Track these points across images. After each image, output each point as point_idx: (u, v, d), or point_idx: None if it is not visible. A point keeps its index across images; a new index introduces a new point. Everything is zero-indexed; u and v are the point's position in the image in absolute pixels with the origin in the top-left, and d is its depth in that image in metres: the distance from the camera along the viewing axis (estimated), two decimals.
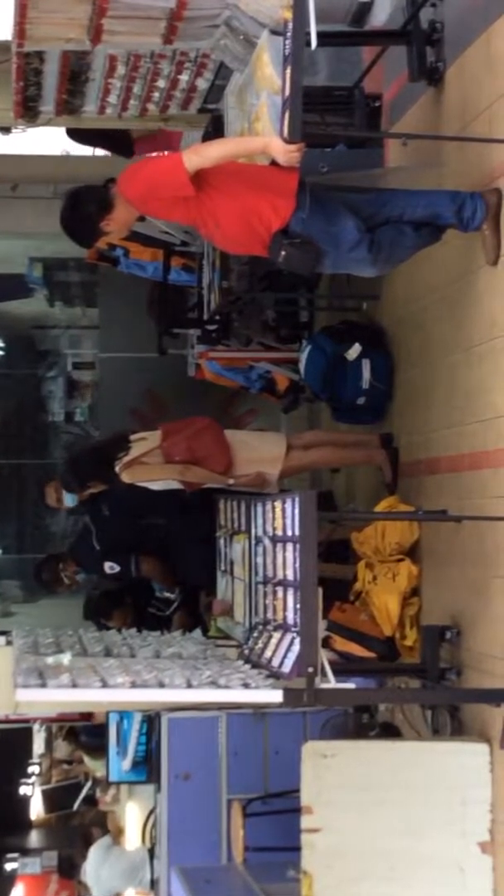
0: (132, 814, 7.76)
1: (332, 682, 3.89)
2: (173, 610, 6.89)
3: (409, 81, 5.44)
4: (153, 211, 4.76)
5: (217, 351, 7.91)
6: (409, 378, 5.94)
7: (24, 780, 11.39)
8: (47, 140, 10.23)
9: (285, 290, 7.44)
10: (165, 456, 5.97)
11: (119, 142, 7.33)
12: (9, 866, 10.59)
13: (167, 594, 6.87)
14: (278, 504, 4.38)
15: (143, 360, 9.41)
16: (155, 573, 6.86)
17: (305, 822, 4.62)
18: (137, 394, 9.40)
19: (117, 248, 8.06)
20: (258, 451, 6.03)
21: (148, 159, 4.57)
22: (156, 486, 6.03)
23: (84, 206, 4.67)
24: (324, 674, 3.90)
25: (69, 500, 7.13)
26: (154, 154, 4.64)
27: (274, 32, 4.58)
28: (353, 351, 6.22)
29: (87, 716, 8.38)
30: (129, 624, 6.94)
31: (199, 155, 4.38)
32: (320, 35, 4.28)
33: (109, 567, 6.70)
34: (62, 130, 7.57)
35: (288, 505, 4.23)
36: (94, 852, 7.76)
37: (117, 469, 5.99)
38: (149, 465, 5.98)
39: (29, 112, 5.92)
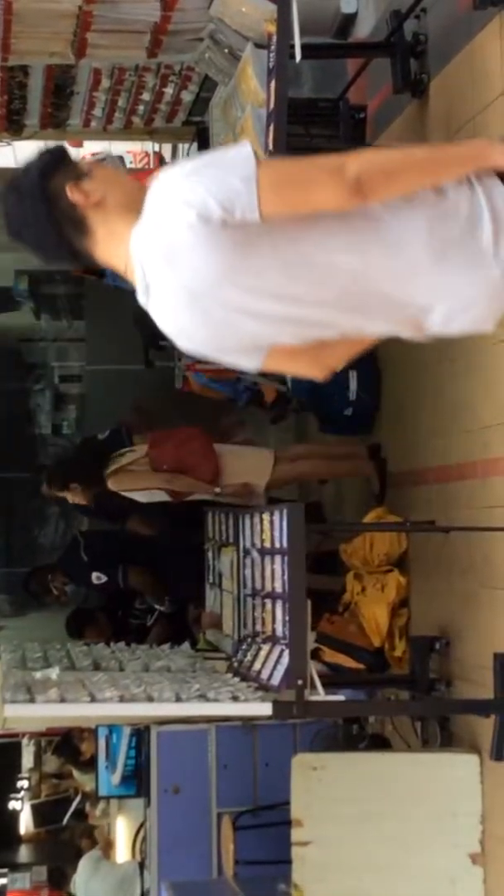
0: (122, 828, 7.72)
1: (321, 695, 3.89)
2: (154, 621, 6.87)
3: (393, 93, 5.45)
4: None
5: (204, 363, 7.90)
6: (397, 389, 5.94)
7: (13, 795, 11.33)
8: (32, 153, 10.24)
9: None
10: (153, 464, 5.97)
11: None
12: None
13: (157, 606, 6.85)
14: (266, 516, 4.38)
15: (129, 373, 9.39)
16: (143, 585, 6.84)
17: (296, 835, 4.60)
18: (125, 406, 9.38)
19: None
20: (246, 462, 6.02)
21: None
22: (141, 497, 6.01)
23: None
24: (313, 686, 3.89)
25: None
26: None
27: (258, 46, 4.59)
28: None
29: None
30: (107, 638, 6.94)
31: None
32: (304, 47, 4.30)
33: (97, 577, 6.68)
34: (47, 143, 7.57)
35: (276, 517, 4.22)
36: (84, 865, 7.72)
37: (105, 475, 5.98)
38: (136, 473, 5.97)
39: (14, 125, 5.93)
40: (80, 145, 11.24)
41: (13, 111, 5.74)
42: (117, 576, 6.70)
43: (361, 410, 6.28)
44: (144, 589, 6.89)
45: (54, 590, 6.96)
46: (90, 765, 7.34)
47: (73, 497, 6.43)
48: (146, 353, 8.35)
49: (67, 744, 8.34)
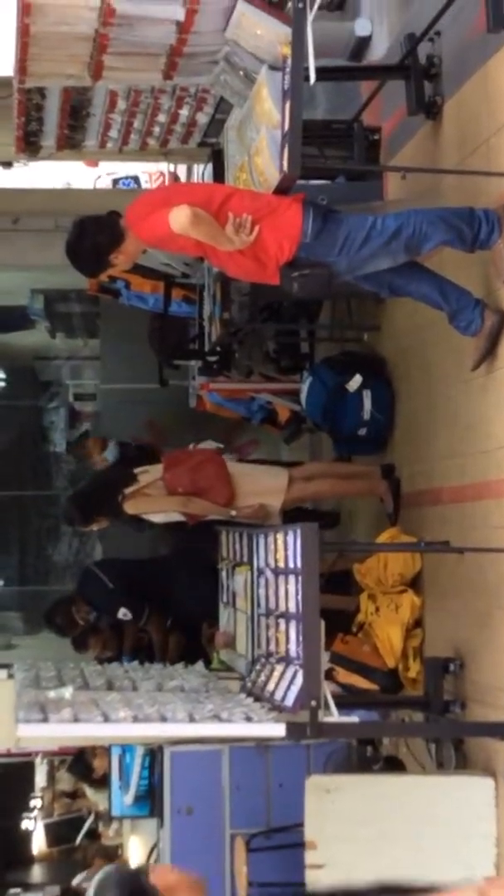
0: (135, 848, 7.70)
1: (335, 716, 3.87)
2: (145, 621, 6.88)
3: (407, 115, 5.47)
4: (165, 249, 4.76)
5: (218, 382, 7.92)
6: (411, 408, 5.94)
7: (26, 814, 11.31)
8: (48, 173, 10.31)
9: (286, 321, 7.46)
10: (168, 487, 5.97)
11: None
12: None
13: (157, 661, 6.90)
14: (280, 536, 4.38)
15: (144, 392, 9.42)
16: (158, 636, 6.88)
17: (309, 857, 4.58)
18: (139, 424, 9.41)
19: (118, 281, 8.10)
20: (260, 482, 6.03)
21: (159, 202, 4.52)
22: (157, 518, 6.03)
23: (93, 236, 4.66)
24: (327, 707, 3.88)
25: (111, 453, 7.10)
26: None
27: (273, 68, 4.61)
28: (354, 382, 6.23)
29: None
30: (111, 646, 6.95)
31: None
32: (319, 70, 4.31)
33: (123, 613, 6.72)
34: (63, 164, 7.62)
35: (290, 537, 4.22)
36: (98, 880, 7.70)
37: (121, 500, 5.99)
38: (151, 497, 5.98)
39: (30, 147, 5.96)
40: (95, 165, 11.32)
41: (30, 132, 5.77)
42: (142, 616, 6.75)
43: (375, 430, 6.28)
44: (157, 639, 6.91)
45: (80, 621, 6.97)
46: (103, 783, 7.33)
47: (99, 526, 6.45)
48: (160, 371, 8.39)
49: (80, 761, 8.33)
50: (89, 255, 4.70)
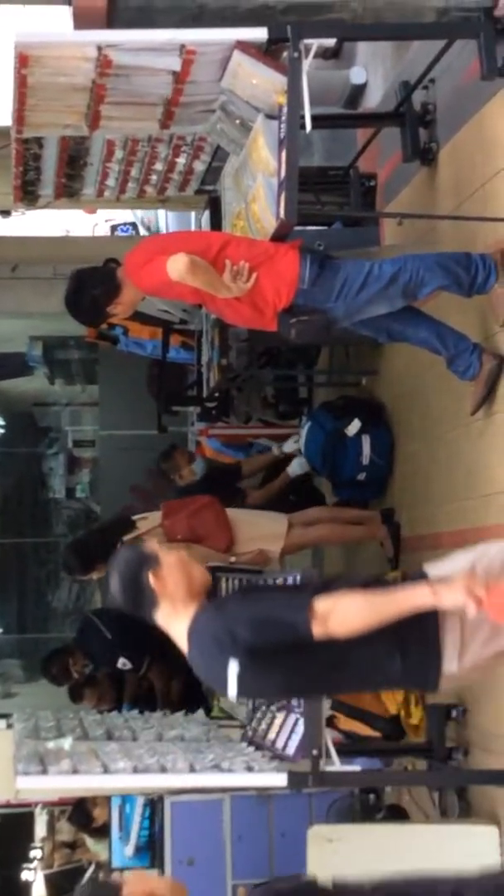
0: None
1: (336, 765, 3.84)
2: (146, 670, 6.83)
3: (403, 161, 5.51)
4: (163, 296, 4.78)
5: (217, 428, 7.93)
6: (410, 453, 5.94)
7: (25, 865, 11.17)
8: (47, 221, 10.37)
9: (284, 367, 7.48)
10: (167, 534, 5.94)
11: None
12: None
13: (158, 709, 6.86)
14: (280, 581, 4.35)
15: (143, 438, 9.43)
16: (160, 683, 6.83)
17: None
18: (138, 470, 9.40)
19: (116, 327, 8.12)
20: (259, 528, 6.00)
21: (156, 250, 4.55)
22: None
23: (90, 288, 4.68)
24: (328, 755, 3.85)
25: (199, 468, 7.09)
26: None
27: (269, 116, 4.64)
28: (353, 427, 6.22)
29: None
30: (107, 699, 6.89)
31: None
32: (315, 117, 4.35)
33: (123, 663, 6.68)
34: (61, 212, 7.65)
35: (289, 582, 4.20)
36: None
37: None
38: (150, 544, 5.95)
39: (28, 196, 5.98)
40: (93, 212, 11.38)
41: (28, 182, 5.80)
42: (142, 666, 6.71)
43: (375, 475, 6.27)
44: (159, 687, 6.86)
45: (75, 673, 6.93)
46: (103, 833, 7.24)
47: (98, 574, 6.43)
48: (159, 418, 8.39)
49: (80, 809, 8.24)
50: (88, 307, 4.72)
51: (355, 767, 4.01)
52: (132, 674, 6.88)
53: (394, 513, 6.05)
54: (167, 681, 6.87)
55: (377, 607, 2.98)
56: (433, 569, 3.19)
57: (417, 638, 3.11)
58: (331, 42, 4.50)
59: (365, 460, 6.24)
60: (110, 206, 6.59)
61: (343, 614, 2.97)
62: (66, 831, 10.71)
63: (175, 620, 3.15)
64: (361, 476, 6.32)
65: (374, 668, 3.16)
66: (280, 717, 4.27)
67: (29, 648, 11.96)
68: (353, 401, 6.61)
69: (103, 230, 12.16)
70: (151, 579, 3.14)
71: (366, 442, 6.23)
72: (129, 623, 6.82)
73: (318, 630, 2.98)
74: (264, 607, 3.12)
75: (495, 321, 4.56)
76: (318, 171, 6.25)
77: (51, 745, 4.22)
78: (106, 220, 12.25)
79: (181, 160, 5.67)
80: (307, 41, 4.28)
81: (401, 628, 3.01)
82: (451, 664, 3.12)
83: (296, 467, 6.76)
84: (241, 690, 3.09)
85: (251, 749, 4.28)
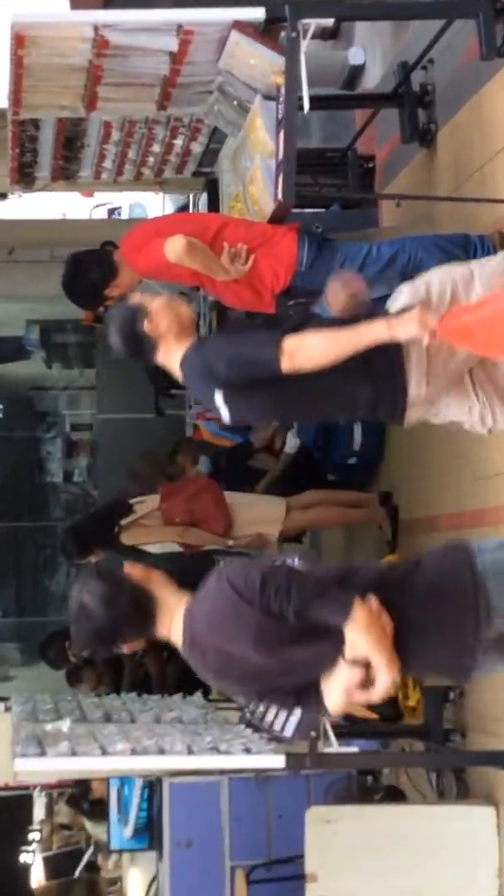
0: (134, 881, 7.63)
1: (334, 746, 3.84)
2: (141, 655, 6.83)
3: (401, 143, 5.49)
4: (161, 279, 4.78)
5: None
6: (408, 436, 5.92)
7: (24, 848, 11.20)
8: (44, 204, 10.34)
9: None
10: (165, 517, 5.94)
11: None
12: None
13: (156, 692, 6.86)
14: (278, 563, 4.35)
15: (140, 421, 9.41)
16: (155, 674, 6.83)
17: (310, 889, 4.54)
18: (135, 454, 9.40)
19: None
20: (257, 511, 6.00)
21: (153, 232, 4.53)
22: (154, 548, 5.99)
23: (87, 272, 4.67)
24: (326, 737, 3.85)
25: (204, 466, 7.09)
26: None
27: (266, 97, 4.62)
28: None
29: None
30: (105, 682, 6.89)
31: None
32: (313, 98, 4.32)
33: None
34: (58, 195, 7.62)
35: (289, 563, 4.19)
36: None
37: (118, 532, 5.96)
38: (148, 527, 5.95)
39: (25, 178, 5.96)
40: (90, 195, 11.35)
41: (24, 164, 5.78)
42: (137, 650, 6.69)
43: (365, 460, 6.29)
44: (155, 676, 6.86)
45: (72, 657, 6.92)
46: (102, 815, 7.26)
47: (96, 558, 6.42)
48: (157, 401, 8.37)
49: (82, 789, 8.27)
50: (85, 290, 4.71)
51: (353, 749, 4.01)
52: (129, 658, 6.88)
53: (392, 495, 6.05)
54: (163, 667, 6.88)
55: (339, 342, 3.27)
56: (392, 302, 3.43)
57: (384, 368, 3.37)
58: (329, 22, 4.50)
59: (356, 446, 6.25)
60: (107, 188, 6.56)
61: (308, 349, 3.27)
62: (64, 813, 10.74)
63: (171, 357, 3.52)
64: (352, 460, 6.33)
65: (350, 397, 3.46)
66: None
67: (27, 632, 11.96)
68: None
69: (101, 213, 12.13)
70: (146, 326, 3.50)
71: (357, 428, 6.24)
72: None
73: (286, 365, 3.28)
74: (239, 346, 3.44)
75: None
76: (317, 153, 6.23)
77: (49, 727, 4.22)
78: (103, 203, 12.21)
79: (178, 142, 5.65)
80: (305, 21, 4.26)
81: (369, 360, 3.29)
82: (418, 389, 3.39)
83: (291, 445, 6.77)
84: (233, 416, 3.47)
85: (249, 731, 4.28)
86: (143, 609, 3.01)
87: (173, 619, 3.02)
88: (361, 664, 2.78)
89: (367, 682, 2.80)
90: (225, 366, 3.37)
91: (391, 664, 2.78)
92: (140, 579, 3.03)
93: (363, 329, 3.25)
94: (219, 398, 3.43)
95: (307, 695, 2.94)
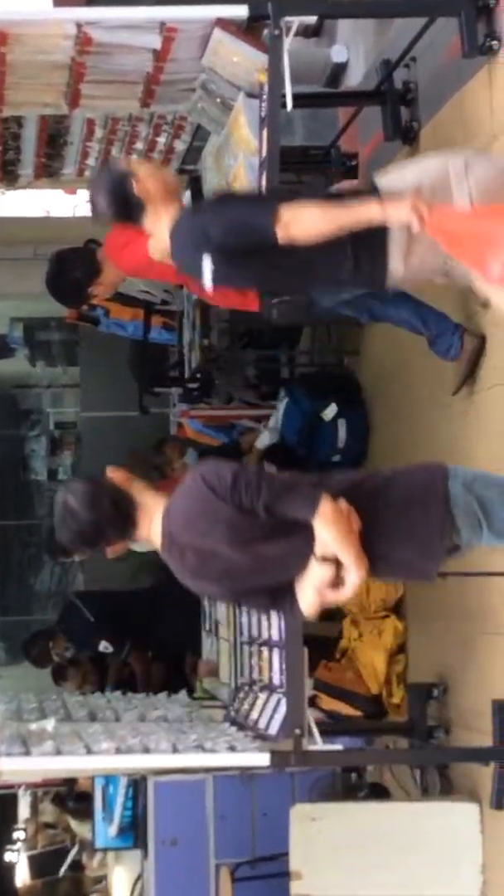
0: (119, 880, 7.63)
1: (319, 744, 3.85)
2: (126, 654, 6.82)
3: (384, 140, 5.49)
4: (144, 277, 4.78)
5: (198, 409, 7.90)
6: (392, 433, 5.94)
7: (9, 847, 11.19)
8: (27, 202, 10.31)
9: (266, 348, 7.46)
10: None
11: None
12: None
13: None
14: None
15: (124, 419, 9.40)
16: (141, 672, 6.82)
17: (295, 887, 4.54)
18: (119, 452, 9.38)
19: (97, 308, 8.07)
20: None
21: (137, 231, 4.53)
22: (139, 548, 5.97)
23: (71, 270, 4.66)
24: (311, 735, 3.85)
25: (192, 458, 7.10)
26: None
27: (250, 95, 4.62)
28: (330, 411, 6.24)
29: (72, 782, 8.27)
30: (90, 681, 6.88)
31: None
32: (296, 96, 4.32)
33: (104, 647, 6.65)
34: (42, 192, 7.60)
35: None
36: None
37: None
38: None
39: (8, 176, 5.96)
40: (74, 192, 11.32)
41: (7, 162, 5.77)
42: (122, 650, 6.69)
43: (350, 458, 6.29)
44: (139, 673, 6.85)
45: (55, 656, 6.91)
46: (86, 813, 7.26)
47: (81, 556, 6.42)
48: (140, 399, 8.35)
49: (69, 787, 8.25)
50: (69, 289, 4.71)
51: (337, 746, 4.02)
52: (114, 658, 6.87)
53: None
54: (148, 666, 6.87)
55: (333, 216, 3.42)
56: (384, 179, 3.58)
57: (367, 242, 3.54)
58: (312, 20, 4.48)
59: (341, 444, 6.26)
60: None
61: (303, 220, 3.41)
62: (49, 812, 10.73)
63: (159, 223, 3.72)
64: (336, 458, 6.34)
65: (333, 267, 3.62)
66: (262, 696, 4.28)
67: (10, 631, 11.94)
68: (331, 378, 6.61)
69: (84, 211, 12.10)
70: (135, 187, 3.72)
71: (342, 426, 6.25)
72: (112, 607, 6.87)
73: (281, 234, 3.43)
74: (236, 211, 3.59)
75: (476, 300, 4.56)
76: (300, 151, 6.22)
77: (33, 726, 4.22)
78: (87, 201, 12.18)
79: (162, 139, 5.65)
80: (288, 19, 4.25)
81: (354, 236, 3.47)
82: (396, 264, 3.57)
83: (264, 439, 6.78)
84: (216, 281, 3.63)
85: (234, 729, 4.29)
86: (123, 511, 3.11)
87: (153, 521, 3.10)
88: (331, 562, 2.86)
89: (337, 582, 2.88)
90: (221, 230, 3.52)
91: (359, 561, 2.86)
92: (121, 483, 3.14)
93: (358, 208, 3.41)
94: (207, 264, 3.57)
95: (282, 598, 3.02)
